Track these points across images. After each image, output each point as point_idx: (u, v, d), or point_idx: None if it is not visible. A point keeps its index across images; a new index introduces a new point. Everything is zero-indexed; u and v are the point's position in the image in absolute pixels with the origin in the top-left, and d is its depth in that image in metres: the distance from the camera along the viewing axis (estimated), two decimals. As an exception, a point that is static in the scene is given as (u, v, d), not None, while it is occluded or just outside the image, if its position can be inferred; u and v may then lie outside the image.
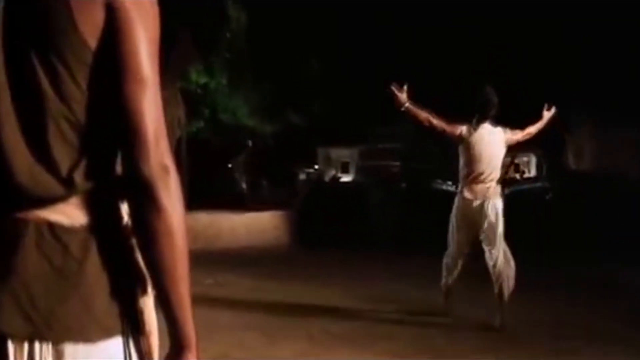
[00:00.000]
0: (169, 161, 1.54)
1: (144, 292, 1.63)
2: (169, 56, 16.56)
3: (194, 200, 16.81)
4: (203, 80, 18.22)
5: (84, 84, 1.50)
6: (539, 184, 22.29)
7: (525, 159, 41.30)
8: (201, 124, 19.56)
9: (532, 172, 40.44)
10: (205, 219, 14.52)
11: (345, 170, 48.25)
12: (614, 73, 31.24)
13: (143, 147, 1.51)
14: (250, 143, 22.97)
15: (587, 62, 31.35)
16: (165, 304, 1.58)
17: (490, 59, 32.77)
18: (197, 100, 18.76)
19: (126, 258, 1.60)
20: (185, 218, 1.56)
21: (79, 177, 1.52)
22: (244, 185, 25.26)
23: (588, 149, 34.09)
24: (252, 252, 13.86)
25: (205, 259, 12.47)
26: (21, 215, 1.51)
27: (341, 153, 50.65)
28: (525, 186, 22.77)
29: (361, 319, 7.92)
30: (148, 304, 1.64)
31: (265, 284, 9.94)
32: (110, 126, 1.53)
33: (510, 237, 7.55)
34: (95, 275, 1.54)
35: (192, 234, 12.95)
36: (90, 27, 1.49)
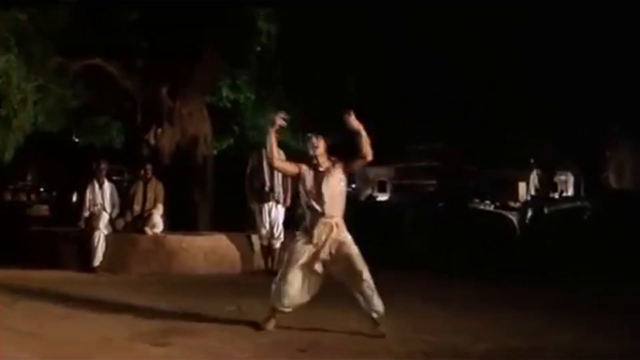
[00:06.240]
0: None
1: None
2: (194, 69, 16.25)
3: (220, 220, 16.28)
4: (233, 96, 17.80)
5: None
6: (577, 204, 21.80)
7: (563, 177, 40.56)
8: (231, 141, 19.14)
9: (570, 191, 39.71)
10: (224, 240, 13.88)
11: (382, 189, 47.76)
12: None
13: None
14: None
15: (630, 77, 30.64)
16: None
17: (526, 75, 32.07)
18: (228, 116, 18.38)
19: None
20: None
21: None
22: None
23: (629, 166, 33.33)
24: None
25: (228, 284, 12.03)
26: None
27: (378, 172, 50.10)
28: (563, 205, 22.24)
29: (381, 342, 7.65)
30: None
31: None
32: None
33: (547, 256, 7.20)
34: None
35: (216, 256, 12.54)
36: None
